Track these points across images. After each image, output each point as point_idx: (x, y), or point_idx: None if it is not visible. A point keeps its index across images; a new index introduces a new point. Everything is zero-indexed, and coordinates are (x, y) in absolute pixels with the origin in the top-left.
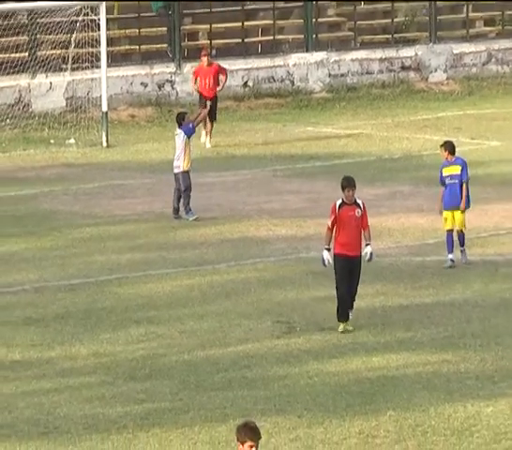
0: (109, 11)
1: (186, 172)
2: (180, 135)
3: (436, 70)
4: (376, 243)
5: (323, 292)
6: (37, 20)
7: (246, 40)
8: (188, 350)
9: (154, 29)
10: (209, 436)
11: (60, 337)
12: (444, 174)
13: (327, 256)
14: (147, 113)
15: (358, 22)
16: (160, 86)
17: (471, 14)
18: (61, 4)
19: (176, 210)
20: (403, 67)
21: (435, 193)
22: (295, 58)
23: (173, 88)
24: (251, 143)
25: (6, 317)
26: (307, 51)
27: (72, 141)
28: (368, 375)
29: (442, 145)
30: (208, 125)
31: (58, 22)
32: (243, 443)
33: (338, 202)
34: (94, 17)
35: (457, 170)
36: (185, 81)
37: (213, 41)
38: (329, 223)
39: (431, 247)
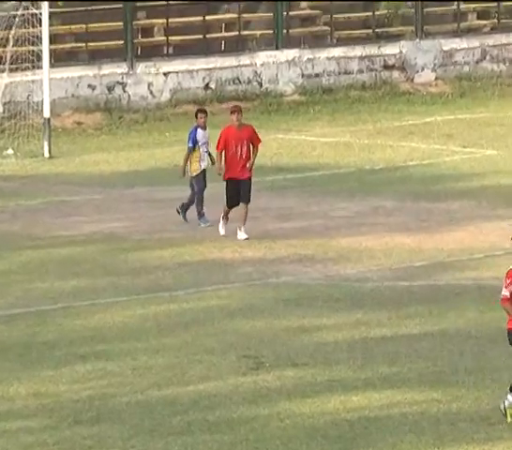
0: (52, 5)
1: (193, 177)
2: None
3: (423, 69)
4: (356, 265)
5: (295, 322)
6: None
7: (207, 36)
8: (142, 389)
9: (103, 24)
10: None
11: None
12: None
13: None
14: (95, 120)
15: (335, 16)
16: (110, 89)
17: (462, 6)
18: None
19: (200, 214)
20: (386, 66)
21: (423, 209)
22: (264, 56)
23: (124, 91)
24: (212, 153)
25: None
26: (276, 48)
27: (10, 151)
28: (348, 417)
29: None
30: (242, 210)
31: None
32: None
33: None
34: (35, 11)
35: None
36: (138, 82)
37: (170, 38)
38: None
39: (419, 271)
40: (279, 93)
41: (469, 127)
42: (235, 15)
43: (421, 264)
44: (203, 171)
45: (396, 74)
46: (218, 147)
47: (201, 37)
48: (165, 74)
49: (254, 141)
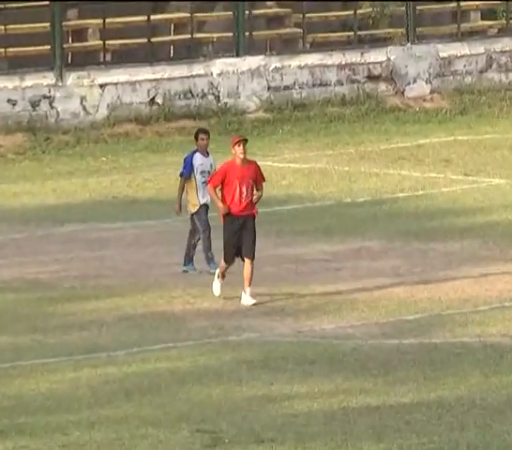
0: None
1: (193, 214)
2: None
3: (416, 81)
4: (334, 319)
5: (260, 389)
6: None
7: (153, 40)
8: None
9: (26, 26)
10: None
11: None
12: None
13: None
14: (16, 142)
15: (308, 15)
16: (34, 105)
17: (463, 3)
18: None
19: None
20: (371, 77)
21: (416, 250)
22: (222, 65)
23: (51, 107)
24: (161, 183)
25: None
26: (237, 54)
27: None
28: None
29: None
30: (247, 267)
31: None
32: None
33: None
34: None
35: None
36: (68, 96)
37: (107, 42)
38: None
39: (411, 326)
40: (241, 109)
41: (472, 151)
42: (187, 14)
43: (414, 318)
44: (205, 206)
45: (383, 86)
46: (211, 182)
47: (145, 40)
48: (101, 86)
49: (258, 180)
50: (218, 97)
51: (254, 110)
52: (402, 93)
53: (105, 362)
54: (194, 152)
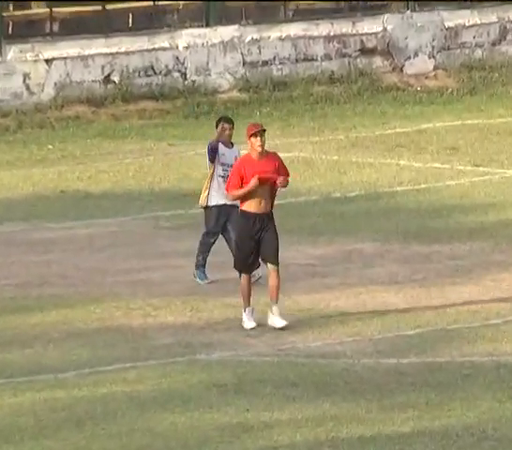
0: None
1: (204, 209)
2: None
3: (417, 55)
4: (321, 335)
5: (233, 416)
6: None
7: (108, 8)
8: None
9: None
10: None
11: None
12: None
13: None
14: None
15: None
16: None
17: None
18: None
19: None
20: (364, 51)
21: (417, 254)
22: (189, 36)
23: None
24: (117, 175)
25: None
26: (207, 24)
27: None
28: None
29: None
30: (273, 277)
31: None
32: None
33: None
34: None
35: None
36: (8, 74)
37: (55, 10)
38: None
39: (411, 343)
40: (211, 88)
41: (482, 138)
42: None
43: (414, 333)
44: (220, 207)
45: (378, 62)
46: (228, 189)
47: (98, 8)
48: (48, 61)
49: (283, 174)
50: (185, 74)
51: (227, 89)
52: (401, 69)
53: (52, 385)
54: (216, 142)
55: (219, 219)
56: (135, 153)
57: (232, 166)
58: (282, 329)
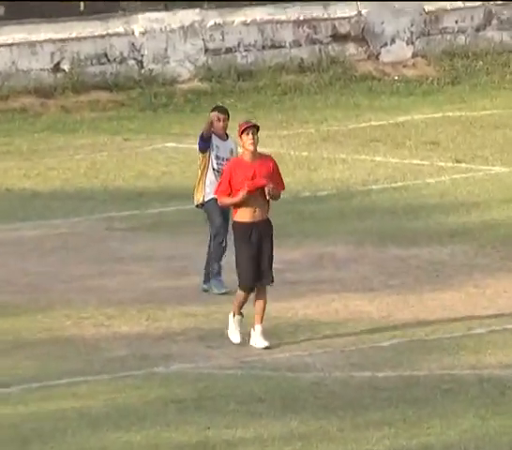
0: None
1: (202, 207)
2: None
3: (394, 41)
4: (289, 346)
5: (193, 435)
6: None
7: None
8: None
9: None
10: None
11: None
12: None
13: None
14: None
15: None
16: None
17: None
18: None
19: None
20: (336, 37)
21: (393, 258)
22: (145, 21)
23: None
24: (68, 172)
25: None
26: (165, 8)
27: None
28: None
29: None
30: (261, 295)
31: None
32: None
33: None
34: None
35: None
36: None
37: None
38: None
39: (386, 355)
40: (170, 78)
41: (465, 131)
42: None
43: (390, 345)
44: (215, 200)
45: (351, 48)
46: (217, 193)
47: None
48: None
49: (274, 181)
50: (142, 62)
51: (187, 78)
52: (377, 57)
53: None
54: (209, 134)
55: (222, 213)
56: (87, 148)
57: (227, 160)
58: (267, 348)
